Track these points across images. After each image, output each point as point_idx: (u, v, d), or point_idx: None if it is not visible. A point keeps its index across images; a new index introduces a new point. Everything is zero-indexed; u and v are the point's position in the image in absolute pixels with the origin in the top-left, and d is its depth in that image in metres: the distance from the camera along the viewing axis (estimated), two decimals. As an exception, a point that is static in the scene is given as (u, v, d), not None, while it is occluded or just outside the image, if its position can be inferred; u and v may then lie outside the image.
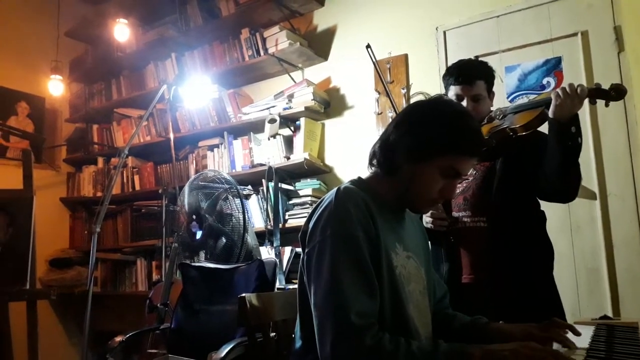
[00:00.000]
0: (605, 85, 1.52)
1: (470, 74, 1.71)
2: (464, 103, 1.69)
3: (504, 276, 1.61)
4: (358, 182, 1.21)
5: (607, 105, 1.52)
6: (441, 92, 2.68)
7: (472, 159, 1.15)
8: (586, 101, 1.53)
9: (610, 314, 1.88)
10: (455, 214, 1.71)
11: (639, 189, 2.27)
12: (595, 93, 1.52)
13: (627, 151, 2.31)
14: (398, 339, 0.99)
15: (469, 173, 1.67)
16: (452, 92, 1.73)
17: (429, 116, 1.15)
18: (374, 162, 1.21)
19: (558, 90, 1.50)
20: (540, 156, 1.60)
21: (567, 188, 1.63)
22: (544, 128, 1.60)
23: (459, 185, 1.62)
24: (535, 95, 1.65)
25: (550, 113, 1.53)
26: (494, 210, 1.65)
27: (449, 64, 2.75)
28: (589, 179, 2.32)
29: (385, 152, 1.17)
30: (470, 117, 1.18)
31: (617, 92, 1.49)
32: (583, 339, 1.09)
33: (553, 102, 1.51)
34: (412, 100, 2.85)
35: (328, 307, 1.00)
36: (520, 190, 1.66)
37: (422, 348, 0.98)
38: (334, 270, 1.02)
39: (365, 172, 1.27)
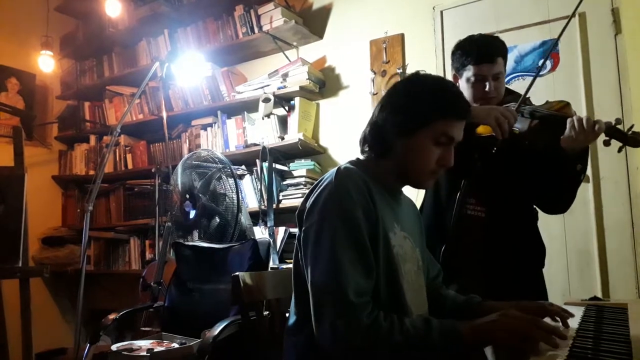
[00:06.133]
0: (624, 127, 1.44)
1: (491, 51, 1.60)
2: (487, 83, 1.59)
3: (493, 268, 1.59)
4: (357, 163, 1.21)
5: (619, 150, 1.47)
6: (437, 72, 2.68)
7: (460, 121, 1.16)
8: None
9: (600, 296, 1.90)
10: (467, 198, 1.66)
11: (631, 172, 2.28)
12: (613, 134, 1.44)
13: (621, 134, 2.31)
14: (392, 316, 1.01)
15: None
16: (471, 73, 1.60)
17: (409, 90, 1.18)
18: (366, 147, 1.22)
19: (575, 119, 1.43)
20: (544, 166, 1.57)
21: (559, 206, 1.65)
22: None
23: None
24: (551, 103, 1.55)
25: (561, 140, 1.47)
26: (494, 203, 1.62)
27: (446, 44, 2.74)
28: (582, 161, 2.33)
29: (375, 135, 1.18)
30: (449, 82, 1.24)
31: (634, 142, 1.42)
32: (573, 320, 1.11)
33: (567, 131, 1.44)
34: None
35: (327, 285, 1.01)
36: (519, 190, 1.64)
37: (415, 325, 1.00)
38: (333, 249, 1.03)
39: (359, 154, 1.27)
